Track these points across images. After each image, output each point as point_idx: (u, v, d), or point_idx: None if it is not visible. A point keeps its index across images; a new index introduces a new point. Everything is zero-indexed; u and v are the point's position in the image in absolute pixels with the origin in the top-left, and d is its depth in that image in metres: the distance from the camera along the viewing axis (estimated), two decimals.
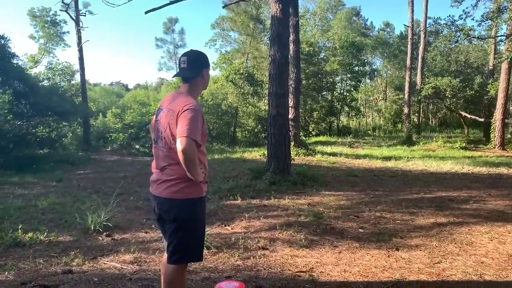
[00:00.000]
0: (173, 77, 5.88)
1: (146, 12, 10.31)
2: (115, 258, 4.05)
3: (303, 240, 4.57)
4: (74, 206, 6.25)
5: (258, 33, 25.94)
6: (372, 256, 4.10)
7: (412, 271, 3.69)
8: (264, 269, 3.72)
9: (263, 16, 26.22)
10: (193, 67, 2.53)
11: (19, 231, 4.78)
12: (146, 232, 5.05)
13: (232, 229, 5.11)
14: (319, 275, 3.60)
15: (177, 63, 2.62)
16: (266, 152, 9.80)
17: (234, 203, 6.69)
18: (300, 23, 17.38)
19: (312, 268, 3.77)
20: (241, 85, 23.19)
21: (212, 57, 51.73)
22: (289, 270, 3.72)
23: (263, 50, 25.28)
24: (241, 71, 23.05)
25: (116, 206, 6.04)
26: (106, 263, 3.89)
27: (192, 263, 3.78)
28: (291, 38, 12.97)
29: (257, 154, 14.41)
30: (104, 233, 4.89)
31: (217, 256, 4.05)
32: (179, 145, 2.24)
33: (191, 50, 2.61)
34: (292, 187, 8.12)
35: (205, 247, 4.16)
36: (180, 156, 2.25)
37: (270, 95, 9.30)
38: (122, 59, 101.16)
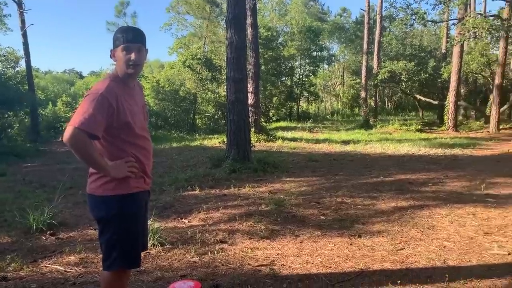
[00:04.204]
0: None
1: None
2: (58, 260, 3.69)
3: (263, 231, 4.37)
4: (15, 203, 5.74)
5: (215, 16, 25.31)
6: (335, 245, 3.96)
7: (376, 259, 3.58)
8: (223, 265, 3.49)
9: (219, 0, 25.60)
10: None
11: None
12: (95, 229, 4.65)
13: (189, 222, 4.84)
14: (280, 268, 3.41)
15: None
16: (226, 139, 9.54)
17: (192, 193, 6.40)
18: (257, 6, 17.05)
19: (273, 261, 3.58)
20: (199, 70, 22.60)
21: (169, 41, 50.38)
22: (249, 264, 3.51)
23: (221, 34, 24.74)
24: (199, 56, 22.44)
25: (63, 201, 5.65)
26: (47, 267, 3.53)
27: (148, 261, 3.52)
28: (248, 21, 12.68)
29: (217, 141, 14.14)
30: (48, 232, 4.47)
31: (171, 253, 3.77)
32: (64, 136, 1.97)
33: None
34: (252, 174, 7.92)
35: (159, 244, 3.91)
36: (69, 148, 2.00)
37: (228, 80, 8.99)
38: (75, 45, 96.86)
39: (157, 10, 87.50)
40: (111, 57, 2.23)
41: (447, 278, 3.11)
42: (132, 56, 2.15)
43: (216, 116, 23.59)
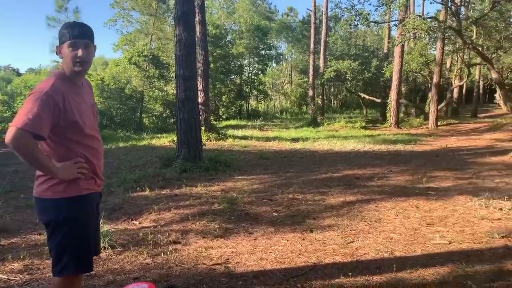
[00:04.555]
0: None
1: None
2: (0, 268, 3.47)
3: (217, 230, 4.36)
4: None
5: (161, 13, 24.82)
6: (288, 241, 4.03)
7: (327, 253, 3.68)
8: (176, 265, 3.44)
9: None
10: None
11: None
12: (39, 234, 4.43)
13: (140, 223, 4.72)
14: (235, 266, 3.42)
15: None
16: (175, 138, 9.38)
17: (142, 194, 6.24)
18: (205, 4, 16.90)
19: (228, 259, 3.58)
20: (146, 67, 22.08)
21: (113, 38, 48.91)
22: (203, 263, 3.48)
23: (168, 31, 24.33)
24: (145, 53, 21.91)
25: (3, 205, 5.34)
26: None
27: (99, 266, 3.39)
28: (197, 18, 12.53)
29: (166, 140, 13.89)
30: None
31: (123, 255, 3.66)
32: (6, 137, 1.89)
33: None
34: (204, 173, 7.87)
35: (109, 246, 3.79)
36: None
37: (177, 77, 8.85)
38: (11, 40, 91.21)
39: (101, 5, 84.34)
40: (57, 54, 2.13)
41: (395, 268, 3.26)
42: (79, 52, 2.06)
43: (164, 115, 23.14)
